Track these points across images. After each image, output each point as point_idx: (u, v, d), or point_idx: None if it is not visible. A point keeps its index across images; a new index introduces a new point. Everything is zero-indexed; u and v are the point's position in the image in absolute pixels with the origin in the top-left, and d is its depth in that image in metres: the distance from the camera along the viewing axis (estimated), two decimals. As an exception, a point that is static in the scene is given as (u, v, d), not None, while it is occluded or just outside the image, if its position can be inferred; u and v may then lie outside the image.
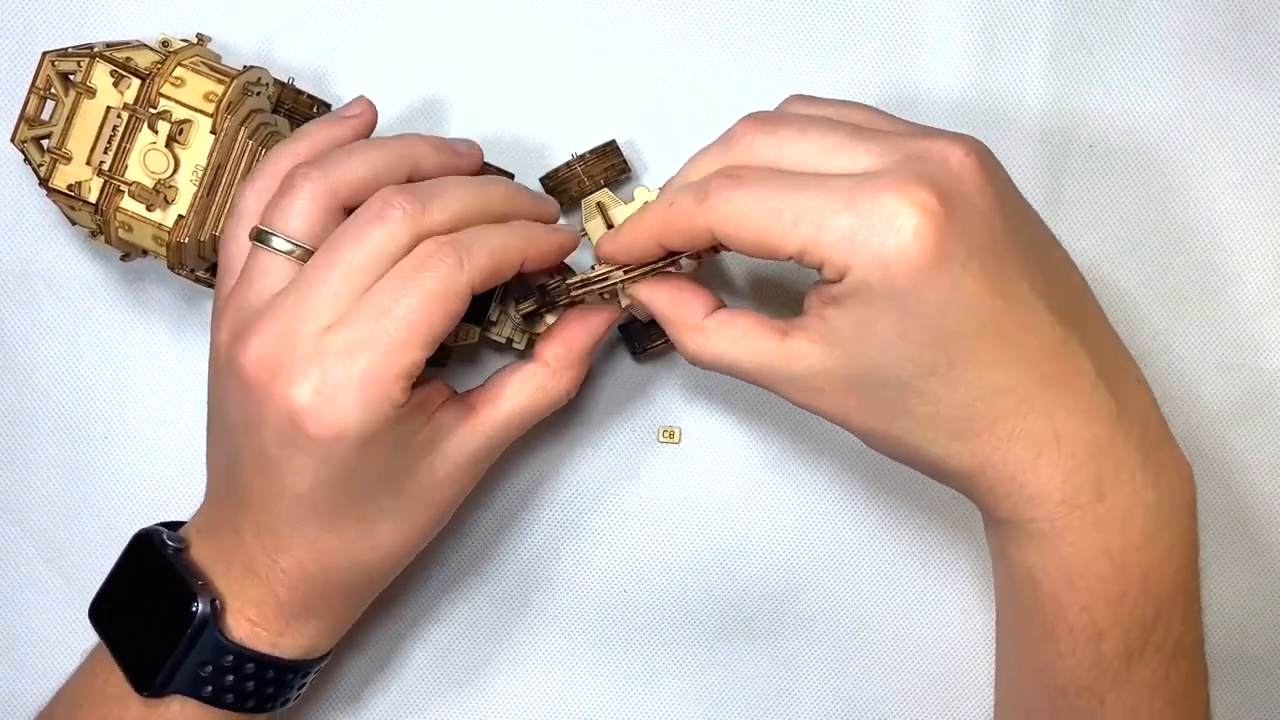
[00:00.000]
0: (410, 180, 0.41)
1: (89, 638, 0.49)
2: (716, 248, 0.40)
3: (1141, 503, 0.38)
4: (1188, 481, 0.40)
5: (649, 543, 0.50)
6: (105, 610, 0.43)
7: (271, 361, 0.38)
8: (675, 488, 0.50)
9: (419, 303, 0.38)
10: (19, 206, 0.49)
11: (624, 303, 0.43)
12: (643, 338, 0.48)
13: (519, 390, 0.43)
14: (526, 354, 0.49)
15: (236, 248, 0.41)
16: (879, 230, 0.35)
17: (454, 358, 0.49)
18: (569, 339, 0.44)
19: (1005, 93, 0.49)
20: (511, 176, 0.48)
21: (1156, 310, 0.50)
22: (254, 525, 0.41)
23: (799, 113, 0.40)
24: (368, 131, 0.43)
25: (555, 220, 0.44)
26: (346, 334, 0.38)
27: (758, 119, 0.39)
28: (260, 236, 0.40)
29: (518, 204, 0.42)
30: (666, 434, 0.50)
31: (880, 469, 0.50)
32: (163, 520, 0.45)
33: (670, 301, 0.42)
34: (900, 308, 0.36)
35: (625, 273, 0.42)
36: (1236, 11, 0.50)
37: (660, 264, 0.42)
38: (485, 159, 0.46)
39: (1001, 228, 0.37)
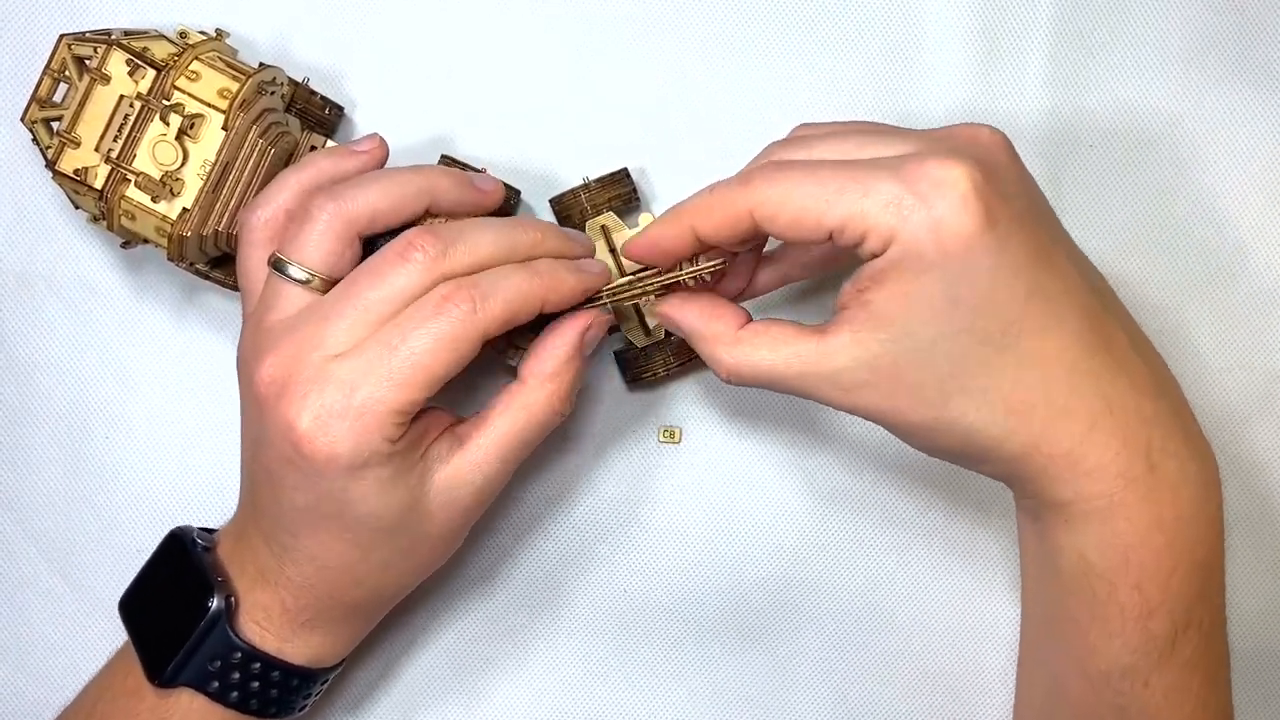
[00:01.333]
0: (429, 213, 0.42)
1: (88, 638, 0.50)
2: (722, 267, 0.41)
3: (1186, 474, 0.38)
4: (1212, 454, 0.40)
5: (649, 543, 0.50)
6: (133, 601, 0.44)
7: (280, 381, 0.39)
8: (675, 488, 0.50)
9: (426, 345, 0.38)
10: (19, 206, 0.49)
11: (651, 323, 0.43)
12: (636, 367, 0.48)
13: (503, 414, 0.42)
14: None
15: (252, 270, 0.42)
16: (928, 195, 0.35)
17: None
18: (543, 349, 0.43)
19: (1005, 93, 0.50)
20: (518, 193, 0.48)
21: (1157, 311, 0.50)
22: (263, 533, 0.42)
23: (836, 127, 0.41)
24: (376, 168, 0.44)
25: (590, 255, 0.44)
26: (351, 365, 0.38)
27: (802, 128, 0.41)
28: (278, 265, 0.40)
29: (545, 246, 0.42)
30: (666, 434, 0.50)
31: (881, 469, 0.50)
32: (174, 519, 0.45)
33: (701, 316, 0.41)
34: (951, 275, 0.35)
35: (631, 287, 0.42)
36: (1236, 11, 0.50)
37: (673, 277, 0.41)
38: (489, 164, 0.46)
39: (1036, 196, 0.38)
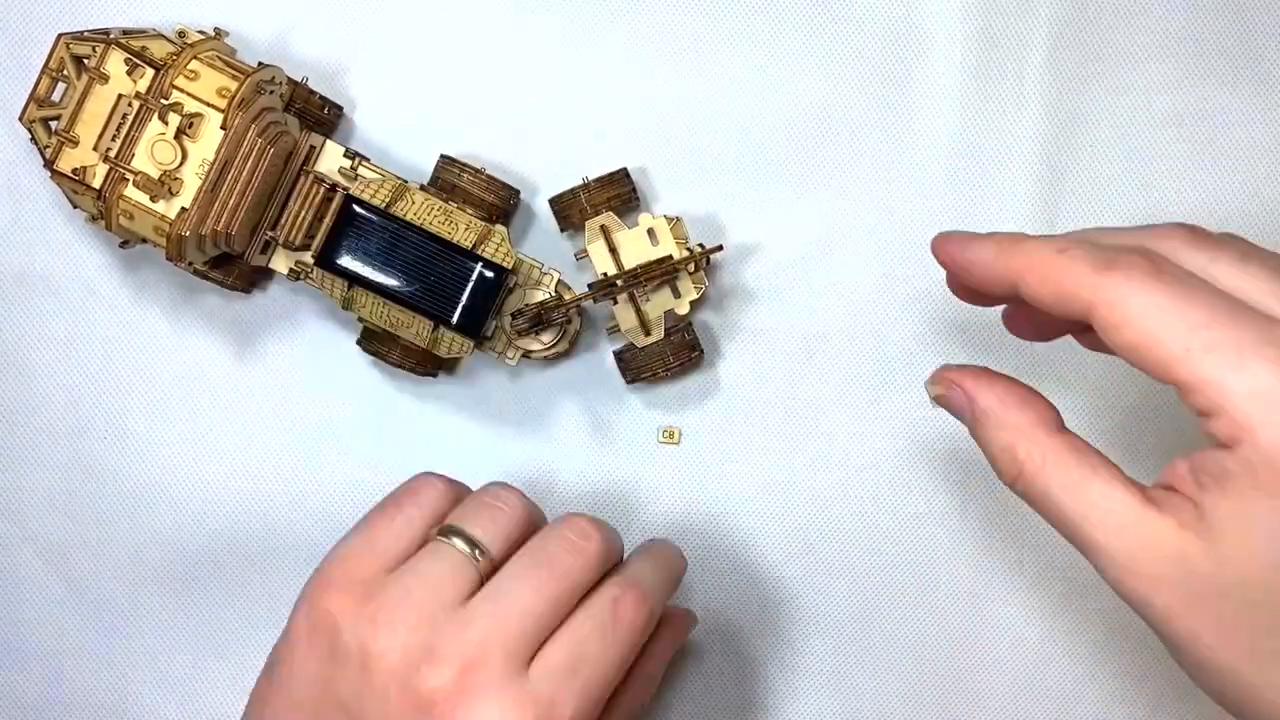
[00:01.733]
0: None
1: (87, 640, 0.49)
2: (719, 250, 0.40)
3: None
4: None
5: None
6: None
7: (455, 680, 0.35)
8: (675, 488, 0.50)
9: (616, 656, 0.36)
10: (18, 206, 0.49)
11: (932, 392, 0.37)
12: (636, 366, 0.48)
13: None
14: (517, 370, 0.49)
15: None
16: None
17: (443, 369, 0.49)
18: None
19: (1005, 93, 0.49)
20: (518, 193, 0.48)
21: None
22: None
23: (1239, 245, 0.33)
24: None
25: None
26: (547, 680, 0.35)
27: (1192, 229, 0.33)
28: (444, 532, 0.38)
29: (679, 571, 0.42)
30: (667, 434, 0.50)
31: (881, 471, 0.50)
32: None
33: (1004, 402, 0.34)
34: None
35: (624, 282, 0.42)
36: (1236, 12, 0.50)
37: (665, 272, 0.41)
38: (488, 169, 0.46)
39: None
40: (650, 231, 0.47)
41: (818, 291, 0.50)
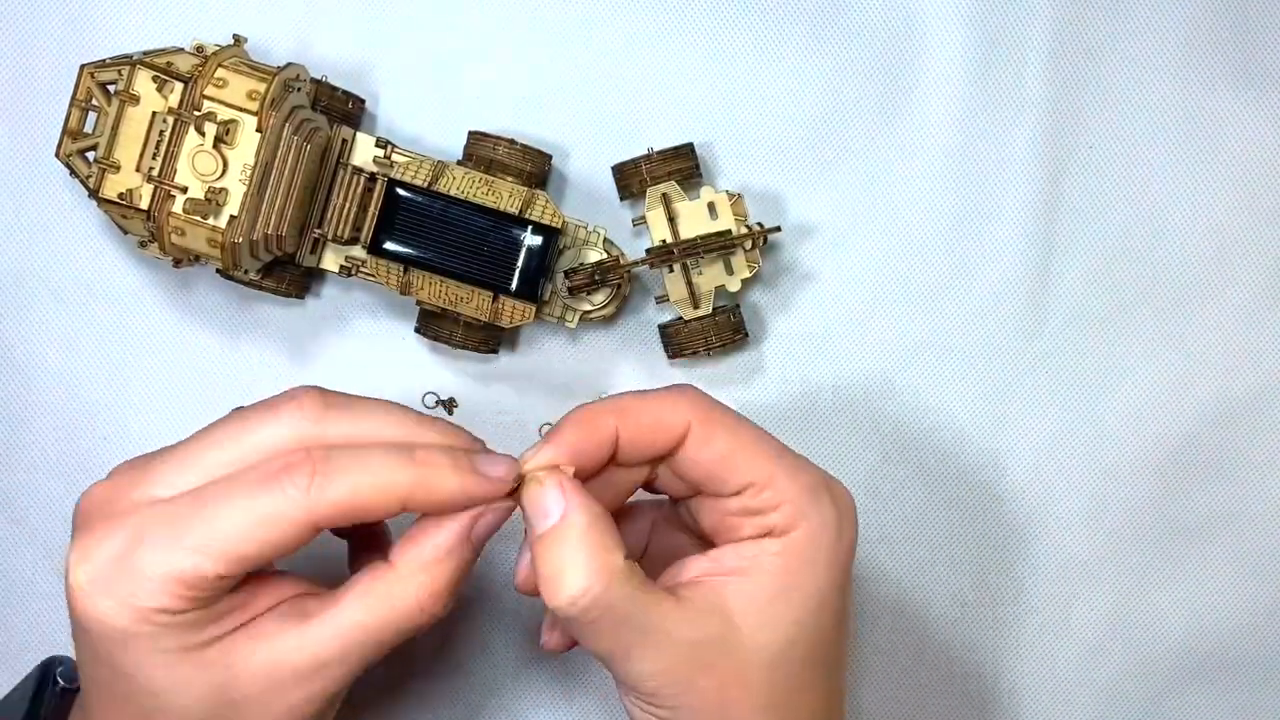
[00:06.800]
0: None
1: None
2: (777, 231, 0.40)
3: None
4: None
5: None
6: None
7: (84, 513, 0.34)
8: None
9: (238, 517, 0.33)
10: (16, 206, 0.48)
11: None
12: (680, 340, 0.48)
13: (359, 599, 0.35)
14: (577, 334, 0.49)
15: None
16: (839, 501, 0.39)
17: (505, 339, 0.49)
18: (422, 533, 0.36)
19: (1005, 93, 0.50)
20: (549, 158, 0.48)
21: (1156, 311, 0.51)
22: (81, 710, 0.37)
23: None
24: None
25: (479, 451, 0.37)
26: (156, 513, 0.33)
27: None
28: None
29: (448, 441, 0.36)
30: None
31: (879, 473, 0.50)
32: None
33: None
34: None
35: (681, 250, 0.42)
36: (1236, 13, 0.50)
37: (722, 246, 0.41)
38: (516, 140, 0.46)
39: None
40: (711, 205, 0.47)
41: (866, 283, 0.50)
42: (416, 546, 0.35)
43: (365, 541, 0.40)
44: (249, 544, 0.33)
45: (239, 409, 0.36)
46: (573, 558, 0.34)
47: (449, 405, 0.49)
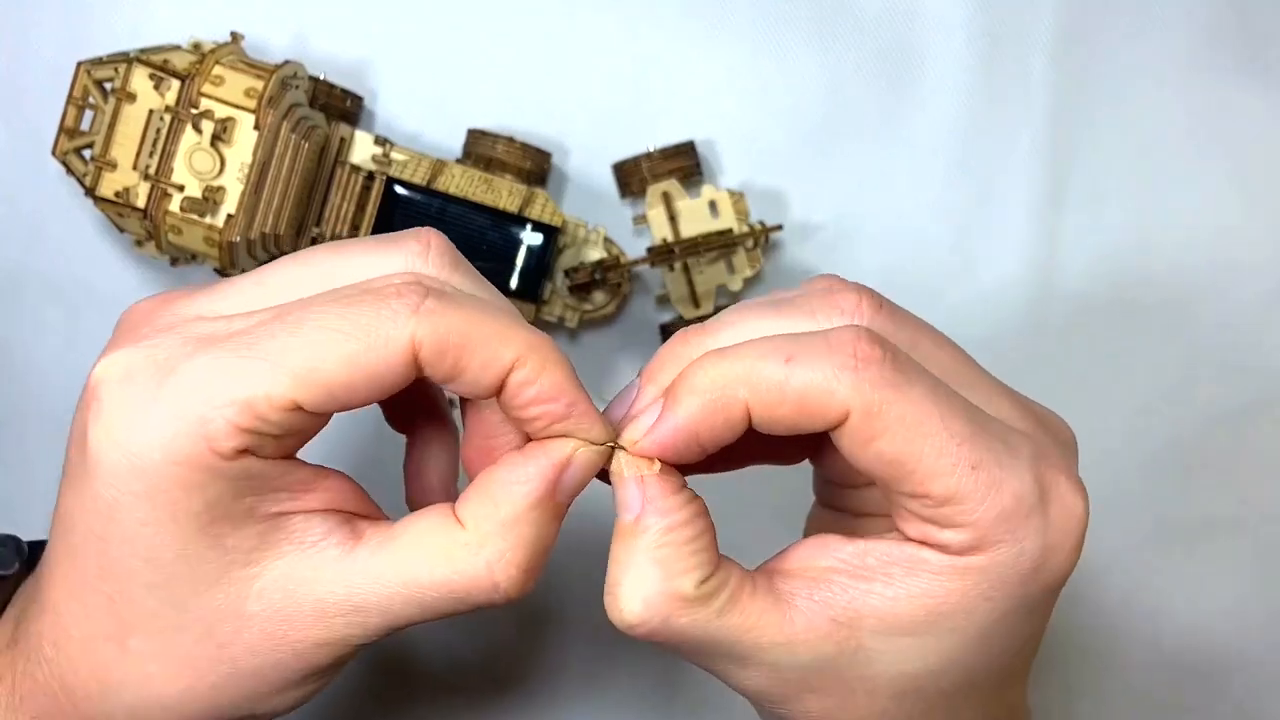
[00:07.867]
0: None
1: None
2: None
3: None
4: None
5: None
6: None
7: (121, 325, 0.28)
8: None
9: (332, 327, 0.26)
10: (15, 206, 0.48)
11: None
12: None
13: (418, 548, 0.28)
14: (577, 334, 0.49)
15: None
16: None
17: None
18: (493, 483, 0.28)
19: (1009, 90, 0.49)
20: (549, 156, 0.47)
21: (1156, 311, 0.50)
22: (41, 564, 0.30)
23: (914, 319, 0.31)
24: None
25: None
26: (215, 327, 0.27)
27: (863, 294, 0.30)
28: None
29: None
30: None
31: None
32: None
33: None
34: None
35: (683, 249, 0.42)
36: (1239, 10, 0.50)
37: (723, 244, 0.41)
38: (517, 139, 0.46)
39: None
40: (712, 204, 0.47)
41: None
42: (489, 499, 0.28)
43: (427, 448, 0.33)
44: (336, 363, 0.26)
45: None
46: (634, 575, 0.28)
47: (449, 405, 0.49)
